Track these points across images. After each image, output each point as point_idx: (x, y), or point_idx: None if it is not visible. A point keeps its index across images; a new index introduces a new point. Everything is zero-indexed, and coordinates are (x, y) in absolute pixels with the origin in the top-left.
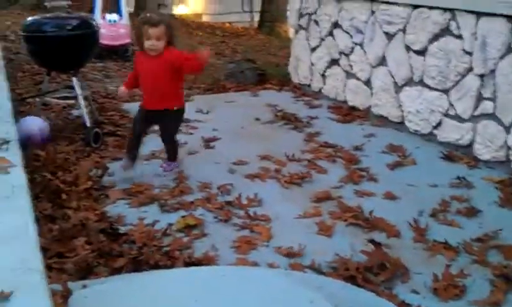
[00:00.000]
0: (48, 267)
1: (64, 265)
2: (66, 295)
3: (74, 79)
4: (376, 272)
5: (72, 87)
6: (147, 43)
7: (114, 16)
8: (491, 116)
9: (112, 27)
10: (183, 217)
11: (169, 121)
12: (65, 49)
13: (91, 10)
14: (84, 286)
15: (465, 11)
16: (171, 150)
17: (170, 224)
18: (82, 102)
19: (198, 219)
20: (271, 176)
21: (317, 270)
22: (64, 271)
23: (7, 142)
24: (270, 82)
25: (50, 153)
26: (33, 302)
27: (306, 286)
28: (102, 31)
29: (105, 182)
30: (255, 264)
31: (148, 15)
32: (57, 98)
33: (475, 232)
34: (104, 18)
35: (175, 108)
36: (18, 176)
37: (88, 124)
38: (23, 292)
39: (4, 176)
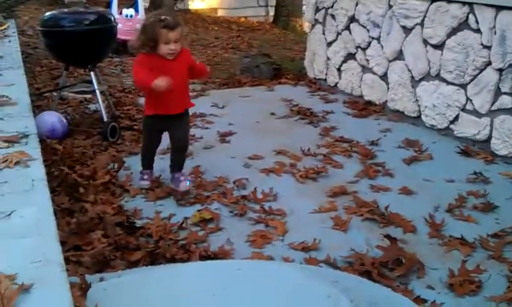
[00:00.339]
0: (66, 260)
1: (81, 258)
2: (85, 287)
3: (92, 74)
4: (392, 267)
5: (90, 82)
6: (166, 48)
7: (130, 11)
8: (509, 111)
9: (128, 22)
10: (199, 211)
11: (185, 122)
12: (83, 44)
13: (108, 5)
14: (101, 279)
15: (484, 4)
16: (184, 157)
17: (186, 218)
18: (99, 96)
19: (213, 213)
20: (286, 170)
21: (332, 264)
22: (81, 264)
23: (26, 136)
24: (285, 77)
25: (67, 147)
26: (53, 294)
27: (322, 281)
28: (119, 26)
29: (122, 176)
30: (270, 258)
31: (162, 17)
32: (75, 92)
33: (491, 228)
34: (120, 13)
35: (189, 107)
36: (38, 170)
37: (105, 118)
38: (43, 284)
39: (24, 169)
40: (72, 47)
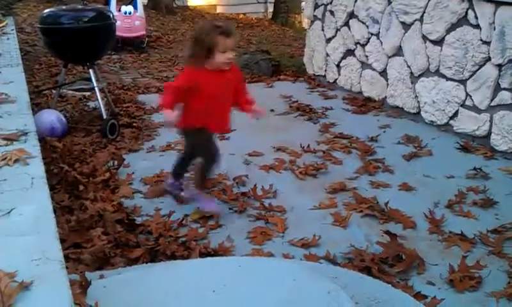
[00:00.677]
0: (65, 257)
1: (81, 256)
2: (84, 285)
3: (91, 71)
4: (392, 263)
5: (89, 79)
6: (223, 57)
7: (129, 8)
8: (509, 107)
9: (127, 19)
10: (199, 208)
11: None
12: (82, 41)
13: (107, 2)
14: (101, 277)
15: (483, 0)
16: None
17: (186, 215)
18: (98, 93)
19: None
20: (285, 167)
21: (332, 261)
22: (81, 261)
23: (25, 133)
24: (284, 73)
25: (66, 144)
26: (53, 292)
27: (322, 277)
28: (118, 23)
29: (122, 173)
30: (270, 255)
31: (217, 23)
32: (74, 90)
33: (491, 223)
34: (119, 10)
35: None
36: (37, 168)
37: (104, 115)
38: (43, 282)
39: (23, 167)
40: (70, 44)
